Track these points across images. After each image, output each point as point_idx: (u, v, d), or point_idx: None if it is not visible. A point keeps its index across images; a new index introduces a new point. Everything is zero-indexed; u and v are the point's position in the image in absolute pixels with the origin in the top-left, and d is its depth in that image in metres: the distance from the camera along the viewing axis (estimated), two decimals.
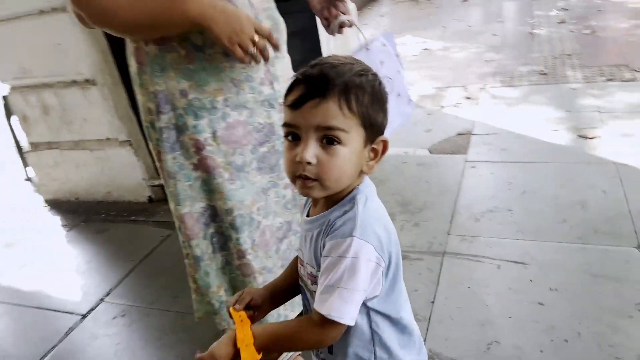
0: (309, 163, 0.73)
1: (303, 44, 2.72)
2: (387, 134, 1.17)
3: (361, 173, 0.81)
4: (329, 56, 0.80)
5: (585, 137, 2.59)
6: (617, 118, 2.74)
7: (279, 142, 1.29)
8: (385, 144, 0.81)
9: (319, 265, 0.80)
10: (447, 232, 2.06)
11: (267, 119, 1.26)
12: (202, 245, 1.30)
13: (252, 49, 1.10)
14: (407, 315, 0.89)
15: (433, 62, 4.31)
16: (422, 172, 2.54)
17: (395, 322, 0.86)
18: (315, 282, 0.83)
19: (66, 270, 2.37)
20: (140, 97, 1.25)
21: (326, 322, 0.76)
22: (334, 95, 0.73)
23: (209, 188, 1.25)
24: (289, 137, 0.77)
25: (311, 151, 0.73)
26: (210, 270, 1.31)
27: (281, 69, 1.27)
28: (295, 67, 1.31)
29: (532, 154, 2.53)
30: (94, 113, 2.68)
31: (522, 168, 2.42)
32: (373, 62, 1.24)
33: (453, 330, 1.57)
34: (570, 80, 3.36)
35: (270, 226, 1.32)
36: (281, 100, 1.26)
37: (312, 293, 0.85)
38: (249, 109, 1.23)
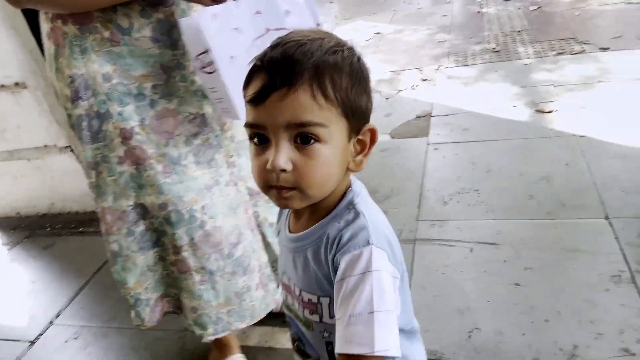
0: (283, 170, 0.60)
1: None
2: None
3: (347, 171, 0.66)
4: (291, 32, 0.65)
5: (543, 112, 2.59)
6: (571, 90, 2.76)
7: (213, 135, 1.20)
8: (373, 133, 0.66)
9: (323, 290, 0.66)
10: (416, 218, 1.99)
11: (199, 109, 1.17)
12: (122, 242, 1.21)
13: None
14: (415, 321, 0.79)
15: (386, 46, 4.25)
16: (385, 158, 2.47)
17: (409, 334, 0.75)
18: (315, 312, 0.69)
19: (10, 293, 2.16)
20: (56, 84, 1.12)
21: None
22: (304, 82, 0.58)
23: (139, 183, 1.16)
24: (255, 140, 0.63)
25: (283, 156, 0.59)
26: (132, 267, 1.24)
27: None
28: None
29: (492, 132, 2.51)
30: (28, 119, 2.44)
31: (484, 147, 2.39)
32: (275, 8, 1.05)
33: (432, 320, 1.50)
34: (522, 56, 3.37)
35: (221, 228, 1.23)
36: None
37: (311, 324, 0.71)
38: (180, 97, 1.13)
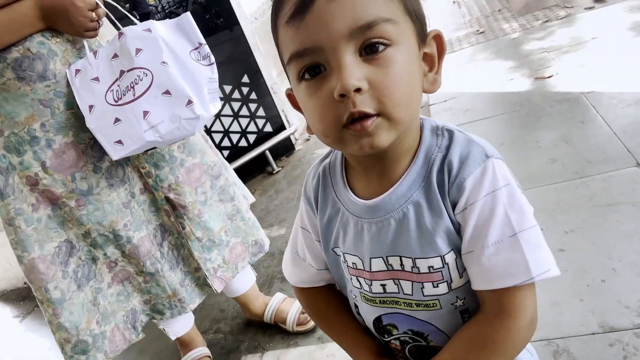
0: (358, 90, 0.46)
1: (239, 69, 2.63)
2: (133, 148, 1.09)
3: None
4: None
5: (543, 78, 2.50)
6: (566, 53, 2.67)
7: None
8: (440, 40, 0.53)
9: (447, 245, 0.53)
10: None
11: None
12: (62, 286, 1.17)
13: (96, 24, 1.08)
14: None
15: None
16: None
17: None
18: (442, 279, 0.54)
19: None
20: None
21: (519, 298, 0.50)
22: None
23: (58, 221, 1.17)
24: (306, 76, 0.49)
25: (355, 71, 0.46)
26: (74, 309, 1.20)
27: None
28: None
29: (496, 107, 2.41)
30: None
31: (491, 123, 2.28)
32: (126, 50, 1.05)
33: None
34: (508, 32, 3.30)
35: (147, 236, 1.26)
36: None
37: (437, 302, 0.56)
38: (73, 127, 1.13)
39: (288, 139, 2.89)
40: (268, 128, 2.80)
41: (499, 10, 3.80)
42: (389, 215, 0.55)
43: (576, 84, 2.30)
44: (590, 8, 3.12)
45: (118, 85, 1.06)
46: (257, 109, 2.73)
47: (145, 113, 1.04)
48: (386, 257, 0.57)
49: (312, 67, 0.48)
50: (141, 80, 1.03)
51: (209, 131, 2.58)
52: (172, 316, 1.36)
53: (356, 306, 0.67)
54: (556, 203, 1.64)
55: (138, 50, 1.05)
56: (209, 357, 1.54)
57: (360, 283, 0.62)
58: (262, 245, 1.48)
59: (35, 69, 1.06)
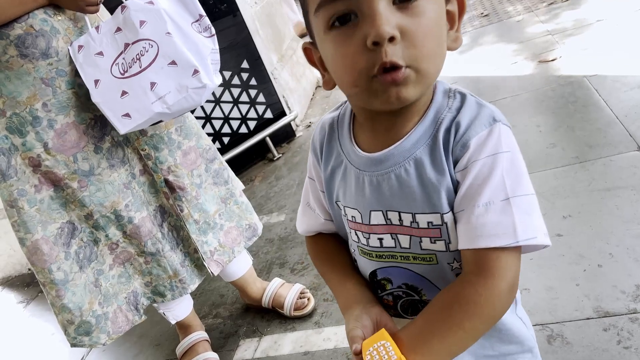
0: (391, 39, 0.46)
1: (239, 55, 2.61)
2: (158, 111, 1.10)
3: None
4: None
5: (546, 61, 2.46)
6: (570, 35, 2.63)
7: (116, 133, 1.20)
8: (462, 2, 0.54)
9: (448, 203, 0.53)
10: None
11: (96, 111, 1.16)
12: (64, 267, 1.19)
13: None
14: None
15: None
16: None
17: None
18: (440, 237, 0.55)
19: (32, 347, 2.07)
20: None
21: (502, 260, 0.50)
22: None
23: (60, 202, 1.18)
24: (336, 23, 0.49)
25: (388, 19, 0.45)
26: (77, 290, 1.22)
27: None
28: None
29: (500, 90, 2.38)
30: None
31: (495, 106, 2.26)
32: (130, 22, 1.06)
33: None
34: (512, 14, 3.25)
35: (147, 216, 1.28)
36: None
37: (434, 256, 0.57)
38: (75, 107, 1.14)
39: (289, 125, 2.88)
40: (268, 114, 2.78)
41: None
42: (391, 169, 0.56)
43: (580, 67, 2.26)
44: None
45: (123, 58, 1.06)
46: (257, 95, 2.72)
47: (153, 84, 1.05)
48: (385, 211, 0.58)
49: (342, 16, 0.48)
50: (147, 51, 1.04)
51: (208, 117, 2.58)
52: (173, 297, 1.37)
53: (355, 260, 0.68)
54: (555, 188, 1.62)
55: (142, 22, 1.06)
56: (208, 341, 1.56)
57: (358, 237, 0.63)
58: (255, 229, 1.49)
59: (38, 46, 1.07)
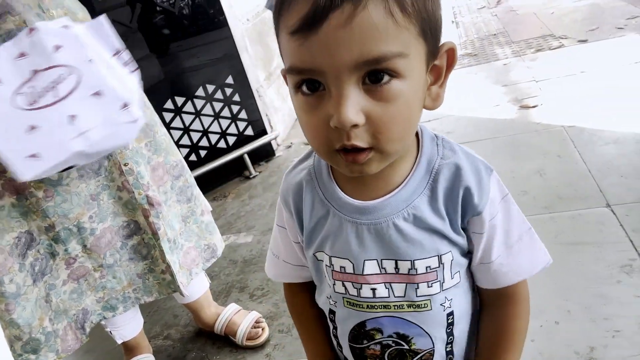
0: (355, 126, 0.44)
1: (224, 70, 2.60)
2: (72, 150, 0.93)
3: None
4: None
5: (527, 107, 2.49)
6: (554, 84, 2.67)
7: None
8: (452, 53, 0.51)
9: (445, 245, 0.56)
10: None
11: None
12: (17, 280, 1.11)
13: None
14: None
15: None
16: None
17: None
18: (436, 279, 0.57)
19: None
20: None
21: (526, 284, 0.62)
22: None
23: (21, 211, 1.11)
24: (303, 88, 0.46)
25: (353, 106, 0.43)
26: (28, 305, 1.14)
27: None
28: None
29: (478, 132, 2.39)
30: None
31: (471, 147, 2.25)
32: (40, 47, 0.91)
33: None
34: (500, 57, 3.30)
35: (111, 227, 1.22)
36: None
37: (428, 302, 0.58)
38: None
39: (269, 144, 2.85)
40: (249, 131, 2.76)
41: (495, 34, 3.80)
42: (389, 217, 0.55)
43: (559, 117, 2.29)
44: (584, 41, 3.13)
45: (31, 87, 0.91)
46: (239, 112, 2.70)
47: (73, 117, 0.91)
48: (380, 260, 0.57)
49: (311, 82, 0.46)
50: (65, 79, 0.91)
51: (187, 129, 2.54)
52: (125, 309, 1.32)
53: (331, 312, 0.65)
54: None
55: (57, 47, 0.92)
56: None
57: (345, 288, 0.60)
58: (214, 250, 1.44)
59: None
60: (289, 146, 2.97)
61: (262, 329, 1.51)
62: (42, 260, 1.17)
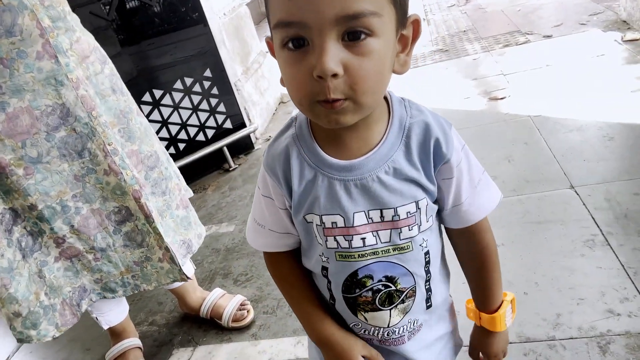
0: (334, 75, 0.50)
1: (203, 64, 2.63)
2: None
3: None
4: None
5: (496, 99, 2.60)
6: (520, 77, 2.79)
7: (81, 124, 1.13)
8: (417, 25, 0.58)
9: (421, 191, 0.64)
10: None
11: (56, 99, 1.10)
12: (8, 255, 1.12)
13: None
14: None
15: None
16: None
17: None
18: (414, 223, 0.65)
19: None
20: None
21: (486, 219, 0.73)
22: None
23: (3, 190, 1.11)
24: (290, 45, 0.52)
25: (334, 57, 0.50)
26: (22, 280, 1.15)
27: (69, 42, 1.11)
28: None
29: (451, 122, 2.48)
30: None
31: None
32: None
33: None
34: (470, 52, 3.42)
35: (99, 210, 1.21)
36: (73, 74, 1.07)
37: (409, 243, 0.66)
38: (31, 90, 1.07)
39: (248, 137, 2.89)
40: (228, 125, 2.79)
41: (465, 31, 3.92)
42: (373, 172, 0.62)
43: (526, 107, 2.41)
44: (549, 36, 3.27)
45: None
46: (217, 105, 2.72)
47: None
48: (367, 211, 0.63)
49: (296, 39, 0.51)
50: None
51: (165, 122, 2.56)
52: (125, 293, 1.32)
53: (324, 269, 0.70)
54: (492, 218, 1.68)
55: None
56: (140, 348, 1.53)
57: (337, 242, 0.66)
58: (189, 246, 1.39)
59: (3, 21, 0.99)
60: (268, 139, 3.01)
61: (248, 311, 1.56)
62: (29, 237, 1.17)
